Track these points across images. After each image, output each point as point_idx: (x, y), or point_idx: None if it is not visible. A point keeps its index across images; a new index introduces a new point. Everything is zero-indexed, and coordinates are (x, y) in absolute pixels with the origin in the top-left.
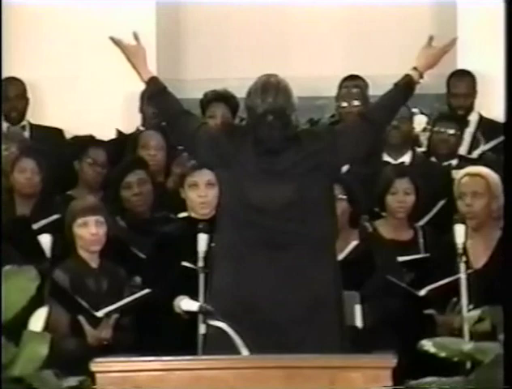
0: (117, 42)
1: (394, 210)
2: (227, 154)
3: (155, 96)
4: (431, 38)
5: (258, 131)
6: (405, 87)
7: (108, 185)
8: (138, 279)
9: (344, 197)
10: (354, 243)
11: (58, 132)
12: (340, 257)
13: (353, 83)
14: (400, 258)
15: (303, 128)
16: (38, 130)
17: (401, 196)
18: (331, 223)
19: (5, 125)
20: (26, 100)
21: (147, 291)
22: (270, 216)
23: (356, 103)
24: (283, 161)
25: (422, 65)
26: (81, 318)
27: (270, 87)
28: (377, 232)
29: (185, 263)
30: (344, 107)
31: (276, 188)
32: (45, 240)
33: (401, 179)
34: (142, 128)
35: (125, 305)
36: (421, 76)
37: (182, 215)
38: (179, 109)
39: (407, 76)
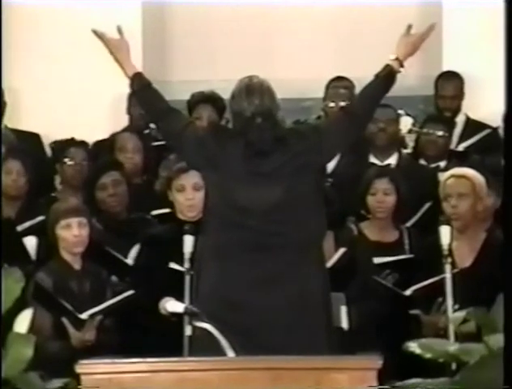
0: (99, 35)
1: (374, 210)
2: (214, 155)
3: (140, 91)
4: (409, 26)
5: (248, 134)
6: (386, 78)
7: (84, 187)
8: (115, 279)
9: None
10: (342, 250)
11: (35, 137)
12: (329, 264)
13: (341, 84)
14: (385, 259)
15: (289, 127)
16: (15, 134)
17: (380, 196)
18: (319, 223)
19: None
20: (3, 104)
21: (130, 292)
22: (257, 218)
23: (343, 104)
24: (270, 162)
25: (402, 53)
26: (65, 321)
27: (255, 89)
28: (362, 235)
29: (171, 265)
30: (332, 107)
31: (264, 189)
32: (30, 242)
33: (380, 179)
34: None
35: (109, 307)
36: (401, 65)
37: (160, 211)
38: (165, 107)
39: (388, 66)
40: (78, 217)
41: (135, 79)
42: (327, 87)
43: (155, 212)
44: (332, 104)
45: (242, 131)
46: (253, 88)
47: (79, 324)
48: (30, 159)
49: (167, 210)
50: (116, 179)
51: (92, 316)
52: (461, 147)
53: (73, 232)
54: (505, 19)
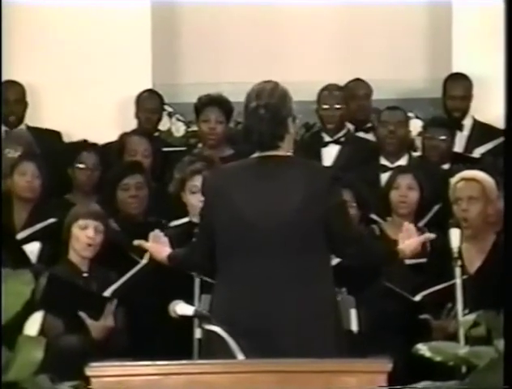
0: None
1: (396, 205)
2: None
3: (177, 265)
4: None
5: (248, 123)
6: (387, 257)
7: (105, 186)
8: None
9: (354, 204)
10: None
11: (56, 135)
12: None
13: (335, 87)
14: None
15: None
16: (36, 132)
17: (404, 191)
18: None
19: (4, 128)
20: (25, 104)
21: (144, 262)
22: (266, 221)
23: (337, 106)
24: (281, 178)
25: (407, 254)
26: (82, 314)
27: (267, 88)
28: (384, 234)
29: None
30: (326, 109)
31: (275, 198)
32: (33, 248)
33: (404, 175)
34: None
35: (128, 283)
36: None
37: (180, 222)
38: (194, 258)
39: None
40: (96, 221)
41: (170, 261)
42: (320, 89)
43: (174, 223)
44: (326, 106)
45: (244, 122)
46: (265, 87)
47: (98, 313)
48: (45, 161)
49: (186, 219)
50: (139, 182)
51: (111, 298)
52: (476, 154)
53: (88, 234)
54: (506, 19)
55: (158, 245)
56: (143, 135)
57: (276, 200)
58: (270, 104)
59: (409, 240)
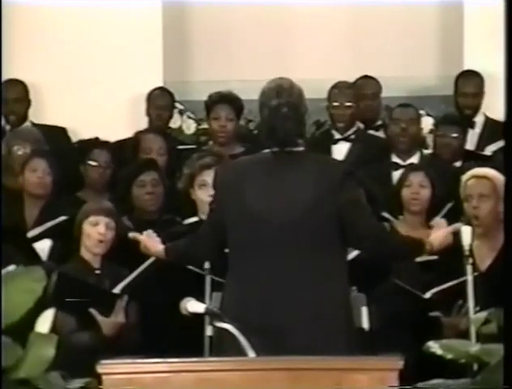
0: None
1: (408, 203)
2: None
3: (175, 259)
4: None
5: (271, 122)
6: (413, 247)
7: (120, 183)
8: None
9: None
10: None
11: (61, 131)
12: (352, 255)
13: (346, 85)
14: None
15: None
16: (41, 129)
17: (416, 188)
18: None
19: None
20: (28, 103)
21: (152, 259)
22: (278, 217)
23: (348, 104)
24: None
25: (436, 245)
26: (92, 311)
27: (285, 85)
28: (395, 231)
29: (190, 267)
30: (336, 106)
31: (287, 194)
32: (44, 245)
33: (416, 172)
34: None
35: (137, 279)
36: (430, 252)
37: (192, 220)
38: (196, 250)
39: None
40: (107, 218)
41: (167, 253)
42: (331, 87)
43: (188, 221)
44: (337, 104)
45: (267, 120)
46: (283, 85)
47: (108, 309)
48: (56, 158)
49: (195, 218)
50: (155, 178)
51: (121, 295)
52: (488, 151)
53: (99, 230)
54: (506, 19)
55: (152, 240)
56: (158, 133)
57: (288, 196)
58: (291, 102)
59: (437, 232)
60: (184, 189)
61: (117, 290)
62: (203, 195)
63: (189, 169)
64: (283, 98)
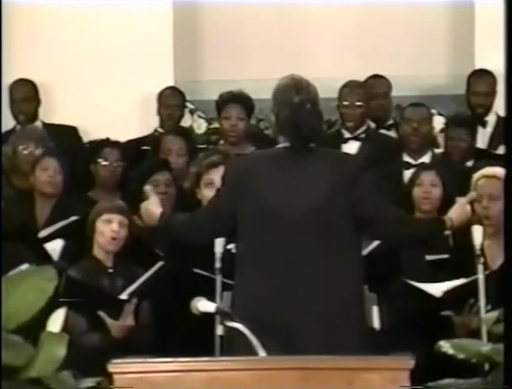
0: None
1: (419, 202)
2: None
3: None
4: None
5: (296, 120)
6: (433, 226)
7: (133, 182)
8: None
9: None
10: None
11: (73, 130)
12: (364, 252)
13: (357, 84)
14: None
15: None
16: (52, 128)
17: (427, 187)
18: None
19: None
20: (37, 102)
21: (161, 263)
22: (292, 211)
23: (358, 103)
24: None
25: (457, 218)
26: (101, 314)
27: (302, 82)
28: None
29: (197, 271)
30: (346, 106)
31: (301, 187)
32: (55, 245)
33: (427, 171)
34: (160, 130)
35: (145, 283)
36: (450, 228)
37: None
38: (192, 223)
39: (443, 221)
40: (120, 216)
41: (161, 218)
42: (342, 86)
43: None
44: (347, 103)
45: (289, 117)
46: (301, 82)
47: (117, 312)
48: (66, 157)
49: None
50: (168, 179)
51: (131, 297)
52: (500, 150)
53: (112, 228)
54: (506, 19)
55: (156, 203)
56: (178, 134)
57: (302, 189)
58: (311, 98)
59: (454, 207)
60: (190, 188)
61: (124, 295)
62: (209, 194)
63: (195, 168)
64: (303, 95)
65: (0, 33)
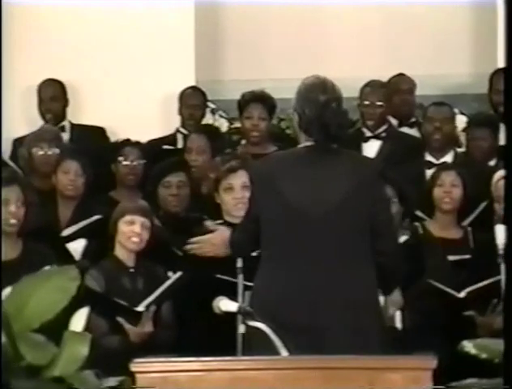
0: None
1: (440, 202)
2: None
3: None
4: None
5: (323, 118)
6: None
7: (148, 182)
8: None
9: (395, 200)
10: (404, 238)
11: (100, 131)
12: None
13: (378, 83)
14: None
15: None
16: (79, 129)
17: (447, 187)
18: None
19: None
20: (65, 102)
21: (179, 274)
22: (316, 211)
23: (378, 103)
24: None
25: None
26: (120, 319)
27: (327, 82)
28: (427, 232)
29: (218, 276)
30: (367, 105)
31: (324, 186)
32: (77, 245)
33: (448, 172)
34: (182, 129)
35: (163, 294)
36: None
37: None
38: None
39: None
40: (143, 217)
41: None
42: (363, 85)
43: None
44: (367, 102)
45: (315, 116)
46: (326, 81)
47: (135, 319)
48: (88, 158)
49: (220, 221)
50: (181, 180)
51: (148, 308)
52: None
53: (134, 229)
54: (506, 19)
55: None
56: (201, 132)
57: (325, 188)
58: (336, 97)
59: None
60: (208, 193)
61: (141, 307)
62: (229, 198)
63: (213, 173)
64: (329, 94)
65: (0, 34)
